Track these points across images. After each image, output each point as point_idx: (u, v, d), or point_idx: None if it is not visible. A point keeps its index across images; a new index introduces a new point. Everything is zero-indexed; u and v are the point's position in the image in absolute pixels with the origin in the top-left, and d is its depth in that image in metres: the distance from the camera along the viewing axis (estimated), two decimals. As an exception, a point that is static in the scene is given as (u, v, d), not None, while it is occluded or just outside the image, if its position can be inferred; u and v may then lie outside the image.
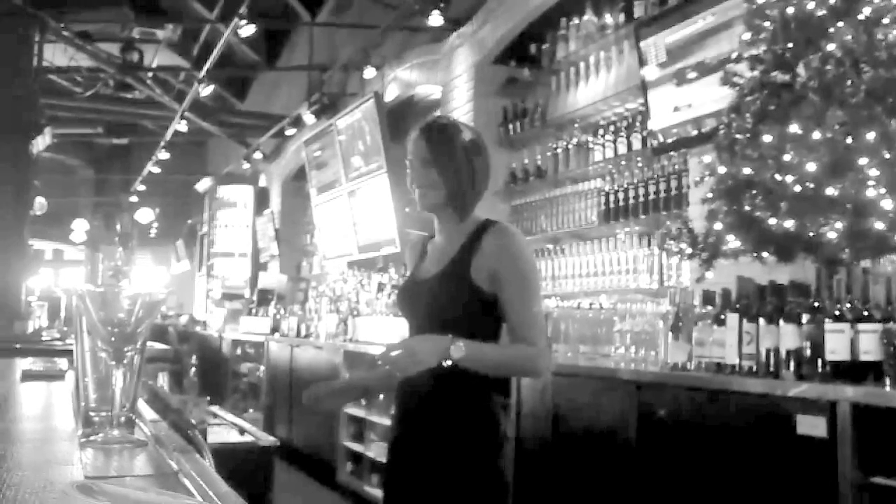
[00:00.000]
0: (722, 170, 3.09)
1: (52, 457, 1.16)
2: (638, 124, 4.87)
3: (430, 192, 2.24)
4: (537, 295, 2.20)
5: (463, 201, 2.24)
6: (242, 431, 4.45)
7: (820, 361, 2.69)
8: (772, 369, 2.83)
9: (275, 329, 8.87)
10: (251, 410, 8.77)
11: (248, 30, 7.60)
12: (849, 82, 2.74)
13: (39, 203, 9.49)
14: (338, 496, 6.34)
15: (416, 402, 2.26)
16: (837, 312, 2.68)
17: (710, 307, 3.17)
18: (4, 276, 6.98)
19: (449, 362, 2.06)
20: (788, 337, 2.79)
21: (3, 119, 7.10)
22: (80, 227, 17.12)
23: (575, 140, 5.43)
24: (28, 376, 2.24)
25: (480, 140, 2.29)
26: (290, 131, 9.97)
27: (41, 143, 7.83)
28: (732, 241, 3.04)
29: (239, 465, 3.66)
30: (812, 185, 2.76)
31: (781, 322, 2.82)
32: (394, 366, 2.07)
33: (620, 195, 4.95)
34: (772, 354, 2.84)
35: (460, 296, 2.17)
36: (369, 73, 7.72)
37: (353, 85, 8.86)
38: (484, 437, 2.21)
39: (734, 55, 3.28)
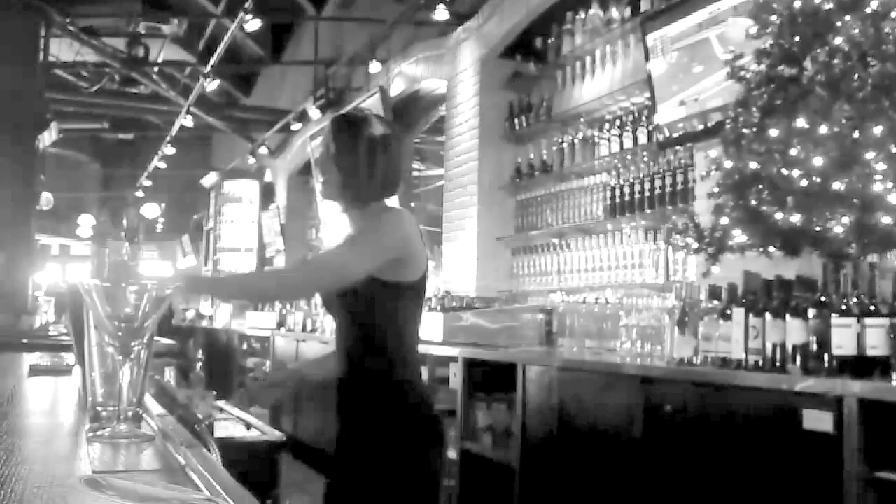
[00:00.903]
0: (728, 164, 3.08)
1: (60, 451, 1.17)
2: (644, 118, 4.86)
3: (327, 183, 2.30)
4: (353, 249, 2.20)
5: (357, 194, 2.27)
6: (249, 426, 4.46)
7: (826, 356, 2.68)
8: (778, 364, 2.83)
9: (281, 324, 8.88)
10: (257, 405, 8.78)
11: (253, 24, 7.60)
12: (856, 76, 2.73)
13: (46, 198, 9.52)
14: (344, 490, 6.35)
15: (339, 397, 2.35)
16: (844, 307, 2.67)
17: (716, 302, 3.16)
18: (11, 271, 7.00)
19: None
20: (795, 332, 2.78)
21: (10, 114, 7.12)
22: (86, 222, 17.16)
23: (581, 134, 5.43)
24: (35, 371, 2.25)
25: (394, 136, 2.31)
26: (295, 126, 9.97)
27: (47, 137, 7.85)
28: (739, 236, 3.03)
29: (246, 460, 3.67)
30: (819, 180, 2.75)
31: (788, 317, 2.81)
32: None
33: (626, 189, 4.94)
34: (778, 349, 2.83)
35: (360, 286, 2.19)
36: (375, 67, 7.72)
37: (358, 79, 8.86)
38: (407, 430, 2.25)
39: (740, 49, 3.27)
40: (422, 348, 5.72)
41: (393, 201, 2.41)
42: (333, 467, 2.37)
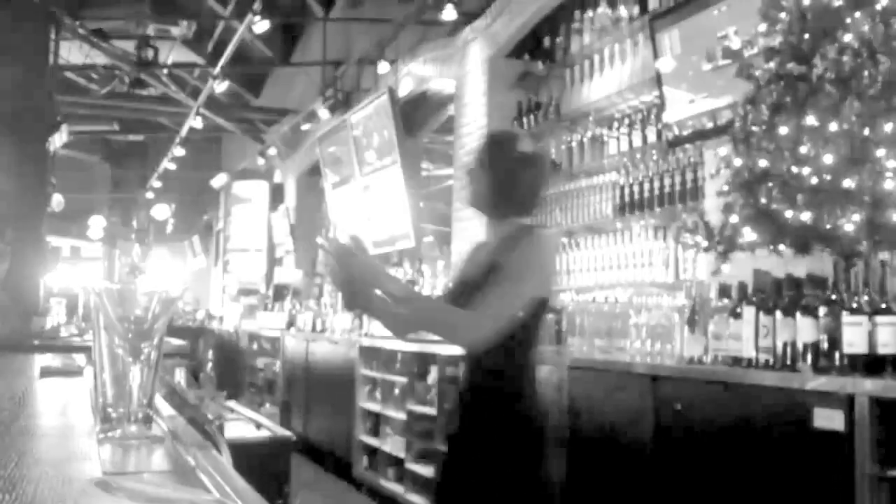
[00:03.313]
0: (738, 162, 3.07)
1: (71, 453, 1.17)
2: (653, 117, 4.85)
3: (472, 191, 2.41)
4: (515, 288, 2.21)
5: (496, 206, 2.37)
6: (259, 426, 4.47)
7: (837, 354, 2.68)
8: (789, 362, 2.82)
9: (290, 324, 8.91)
10: (268, 405, 8.81)
11: (262, 26, 7.62)
12: (866, 73, 2.72)
13: (57, 200, 9.55)
14: (354, 490, 6.36)
15: (469, 399, 2.34)
16: (855, 305, 2.66)
17: (726, 300, 3.16)
18: (22, 272, 7.03)
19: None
20: (805, 330, 2.78)
21: (20, 116, 7.14)
22: (97, 224, 17.21)
23: (589, 133, 5.42)
24: (46, 373, 2.25)
25: (538, 156, 2.42)
26: (304, 127, 9.99)
27: (58, 140, 7.88)
28: (748, 234, 3.03)
29: (256, 460, 3.68)
30: (829, 178, 2.75)
31: (798, 315, 2.80)
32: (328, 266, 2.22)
33: (635, 188, 4.93)
34: (789, 347, 2.83)
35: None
36: (383, 67, 7.72)
37: (366, 80, 8.87)
38: (527, 442, 2.27)
39: (749, 47, 3.26)
40: (430, 348, 5.72)
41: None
42: (449, 472, 2.39)
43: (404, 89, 7.73)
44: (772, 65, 3.02)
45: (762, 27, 3.11)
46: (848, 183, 2.71)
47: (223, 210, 13.53)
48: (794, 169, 2.82)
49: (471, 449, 2.30)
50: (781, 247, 3.01)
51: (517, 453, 2.24)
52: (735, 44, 3.90)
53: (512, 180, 2.34)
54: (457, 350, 4.85)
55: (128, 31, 10.28)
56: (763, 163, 2.94)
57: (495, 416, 2.26)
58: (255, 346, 9.98)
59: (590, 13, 5.46)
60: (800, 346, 2.79)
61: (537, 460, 2.26)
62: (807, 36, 2.92)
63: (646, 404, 3.32)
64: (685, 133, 4.39)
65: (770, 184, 2.91)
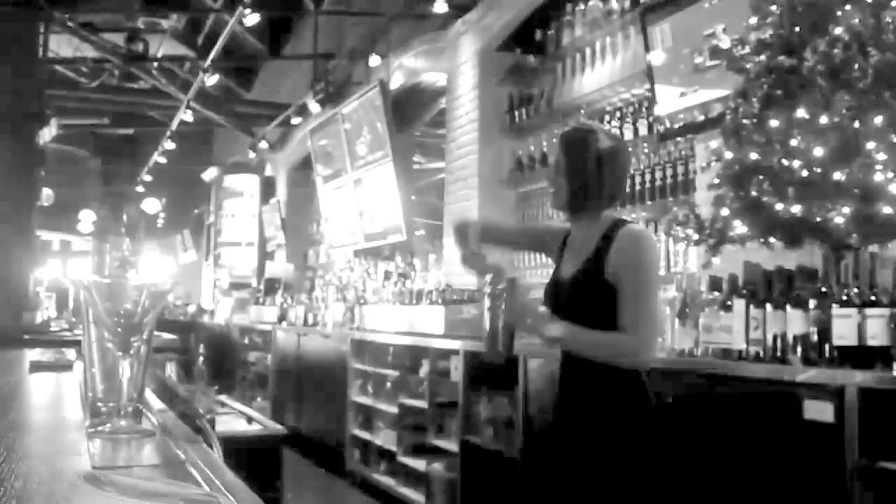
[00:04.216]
0: (728, 155, 3.08)
1: (61, 447, 1.17)
2: (644, 110, 4.85)
3: (557, 195, 2.45)
4: (648, 291, 2.30)
5: (585, 206, 2.41)
6: (250, 420, 4.47)
7: (827, 346, 2.69)
8: (779, 355, 2.83)
9: (282, 318, 8.89)
10: (259, 399, 8.81)
11: (252, 19, 7.59)
12: (856, 66, 2.72)
13: (46, 194, 9.52)
14: (346, 484, 6.37)
15: (575, 383, 2.44)
16: (845, 297, 2.67)
17: (716, 293, 3.16)
18: (12, 267, 7.01)
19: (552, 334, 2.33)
20: (796, 322, 2.78)
21: (10, 110, 7.11)
22: (87, 218, 17.14)
23: (581, 126, 5.41)
24: (37, 367, 2.25)
25: (618, 147, 2.43)
26: (295, 120, 9.97)
27: (47, 133, 7.85)
28: (739, 227, 3.03)
29: (247, 454, 3.67)
30: (819, 170, 2.75)
31: (788, 307, 2.81)
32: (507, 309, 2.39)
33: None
34: (779, 340, 2.84)
35: (596, 294, 2.31)
36: (374, 61, 7.70)
37: (358, 73, 8.85)
38: (636, 420, 2.34)
39: (740, 46, 3.26)
40: (421, 342, 5.71)
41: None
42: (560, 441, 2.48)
43: (396, 82, 7.72)
44: (762, 58, 3.02)
45: (753, 20, 3.11)
46: (838, 176, 2.71)
47: (214, 204, 13.49)
48: (785, 162, 2.82)
49: (585, 416, 2.38)
50: (772, 239, 3.01)
51: (637, 420, 2.33)
52: (725, 42, 3.90)
53: (596, 181, 2.37)
54: (448, 344, 4.86)
55: (118, 24, 10.23)
56: (754, 156, 2.94)
57: (612, 385, 2.33)
58: (246, 340, 9.97)
59: (581, 6, 5.45)
60: (790, 338, 2.79)
61: (651, 426, 2.35)
62: (797, 29, 2.92)
63: (637, 397, 3.32)
64: (676, 126, 4.39)
65: (761, 176, 2.92)
